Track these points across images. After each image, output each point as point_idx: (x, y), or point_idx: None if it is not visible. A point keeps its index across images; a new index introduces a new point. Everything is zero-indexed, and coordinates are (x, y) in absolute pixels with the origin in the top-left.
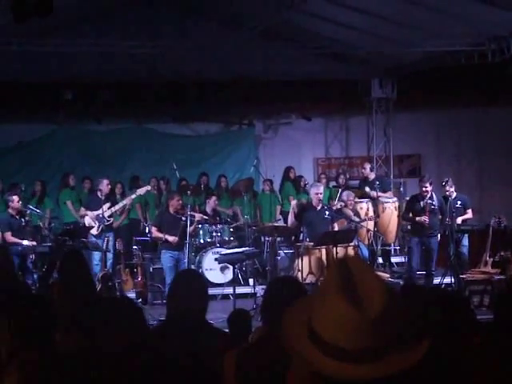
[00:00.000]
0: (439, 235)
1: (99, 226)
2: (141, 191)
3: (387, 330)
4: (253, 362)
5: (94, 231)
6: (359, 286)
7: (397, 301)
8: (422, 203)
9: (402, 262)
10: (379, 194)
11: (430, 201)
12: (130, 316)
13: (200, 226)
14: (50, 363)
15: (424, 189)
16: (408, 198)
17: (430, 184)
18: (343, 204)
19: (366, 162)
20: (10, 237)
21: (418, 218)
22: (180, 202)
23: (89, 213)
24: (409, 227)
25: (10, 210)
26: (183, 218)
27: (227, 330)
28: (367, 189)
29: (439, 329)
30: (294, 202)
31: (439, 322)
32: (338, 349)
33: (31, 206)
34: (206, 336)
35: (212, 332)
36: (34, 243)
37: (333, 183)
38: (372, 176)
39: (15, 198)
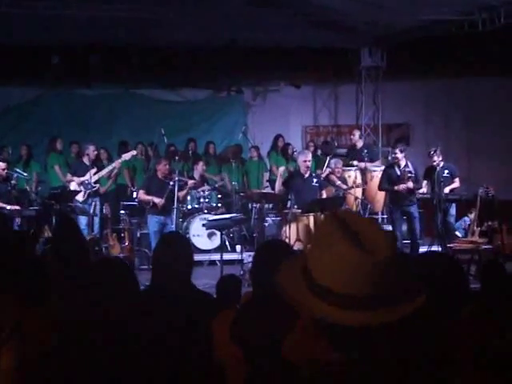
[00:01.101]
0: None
1: (85, 192)
2: (126, 156)
3: (391, 276)
4: (251, 322)
5: (79, 197)
6: (361, 233)
7: (399, 253)
8: (398, 171)
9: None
10: (367, 164)
11: (406, 169)
12: (124, 276)
13: (191, 190)
14: (49, 331)
15: (394, 155)
16: (382, 168)
17: (401, 151)
18: (330, 171)
19: (355, 129)
20: None
21: (397, 187)
22: (167, 166)
23: (75, 178)
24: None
25: None
26: (171, 183)
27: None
28: (355, 162)
29: (432, 291)
30: (281, 169)
31: (432, 284)
32: (340, 295)
33: (18, 170)
34: (191, 299)
35: (198, 295)
36: (18, 207)
37: (320, 151)
38: (360, 144)
39: (1, 164)
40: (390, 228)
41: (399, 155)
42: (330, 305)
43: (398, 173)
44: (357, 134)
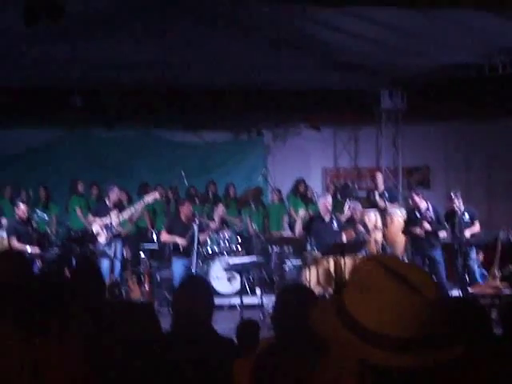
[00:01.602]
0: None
1: (107, 234)
2: (149, 198)
3: (439, 318)
4: (273, 367)
5: (101, 239)
6: (409, 276)
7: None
8: (418, 214)
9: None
10: (387, 204)
11: (427, 213)
12: (147, 320)
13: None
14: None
15: (411, 199)
16: (403, 211)
17: (417, 195)
18: (350, 214)
19: (378, 172)
20: (15, 242)
21: (413, 230)
22: (191, 208)
23: (98, 220)
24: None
25: (17, 216)
26: (194, 226)
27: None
28: (377, 197)
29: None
30: (302, 213)
31: (459, 330)
32: (387, 337)
33: (39, 211)
34: (212, 343)
35: (218, 339)
36: (38, 250)
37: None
38: (382, 187)
39: (22, 205)
40: None
41: (416, 198)
42: (374, 347)
43: (418, 216)
44: (380, 176)
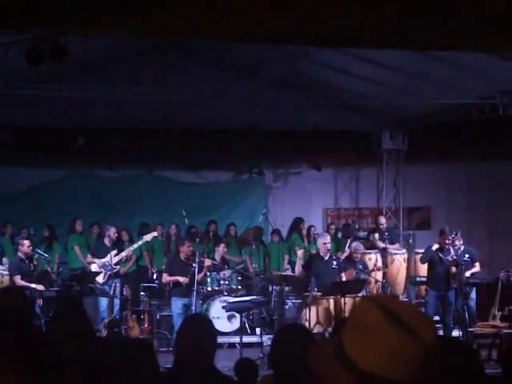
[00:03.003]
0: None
1: (105, 273)
2: (147, 237)
3: (436, 363)
4: None
5: (99, 279)
6: (408, 319)
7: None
8: (441, 256)
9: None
10: (388, 245)
11: (449, 255)
12: (143, 357)
13: (208, 273)
14: None
15: (447, 241)
16: (403, 252)
17: (452, 236)
18: (349, 253)
19: (381, 216)
20: (19, 280)
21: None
22: (191, 248)
23: (96, 260)
24: (423, 279)
25: (19, 254)
26: (193, 265)
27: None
28: (376, 236)
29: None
30: (299, 252)
31: (448, 371)
32: (387, 380)
33: (40, 251)
34: (214, 381)
35: (220, 378)
36: (41, 287)
37: (341, 234)
38: (384, 228)
39: (26, 242)
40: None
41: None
42: None
43: (440, 256)
44: (383, 220)
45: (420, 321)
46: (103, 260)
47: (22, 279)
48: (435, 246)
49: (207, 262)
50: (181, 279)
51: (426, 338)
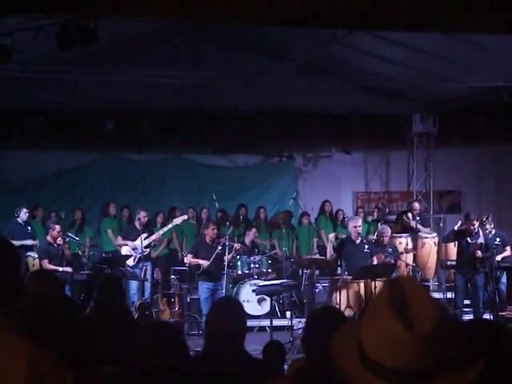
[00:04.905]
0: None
1: (135, 256)
2: (177, 221)
3: (437, 351)
4: None
5: (130, 262)
6: (410, 305)
7: (448, 322)
8: (469, 240)
9: (441, 298)
10: (419, 226)
11: (478, 239)
12: (172, 341)
13: (238, 256)
14: None
15: (472, 227)
16: (456, 229)
17: (477, 221)
18: (377, 237)
19: (416, 201)
20: (47, 264)
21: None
22: (215, 230)
23: (129, 243)
24: (453, 263)
25: (48, 238)
26: (219, 247)
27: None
28: (410, 215)
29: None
30: (331, 236)
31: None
32: (386, 369)
33: (71, 234)
34: (243, 365)
35: (251, 362)
36: (70, 269)
37: (371, 217)
38: (417, 212)
39: (57, 227)
40: (442, 295)
41: (476, 225)
42: (379, 378)
43: (469, 241)
44: (417, 205)
45: (422, 307)
46: (134, 243)
47: (51, 263)
48: (457, 227)
49: (237, 246)
50: (201, 262)
51: (421, 329)
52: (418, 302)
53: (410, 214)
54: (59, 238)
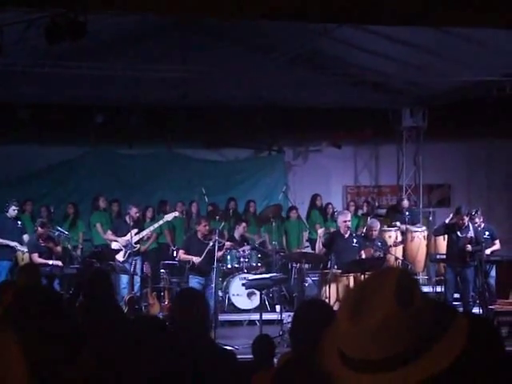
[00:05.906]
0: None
1: (126, 251)
2: (168, 217)
3: (391, 343)
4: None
5: (120, 257)
6: (367, 298)
7: (411, 312)
8: (459, 234)
9: (430, 292)
10: (408, 226)
11: (468, 233)
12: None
13: (228, 251)
14: None
15: (462, 221)
16: (447, 222)
17: (467, 215)
18: (365, 231)
19: (405, 200)
20: (36, 258)
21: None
22: (207, 227)
23: (119, 239)
24: (443, 257)
25: (37, 233)
26: (210, 243)
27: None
28: (398, 223)
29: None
30: (321, 230)
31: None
32: (351, 359)
33: (61, 229)
34: (211, 355)
35: (218, 352)
36: (60, 263)
37: (361, 211)
38: (406, 207)
39: (40, 229)
40: (431, 289)
41: (466, 219)
42: (349, 369)
43: (459, 235)
44: (406, 203)
45: (377, 301)
46: (125, 238)
47: (41, 257)
48: (448, 220)
49: (227, 245)
50: (193, 258)
51: (370, 324)
52: (376, 296)
53: (397, 223)
54: (44, 237)
